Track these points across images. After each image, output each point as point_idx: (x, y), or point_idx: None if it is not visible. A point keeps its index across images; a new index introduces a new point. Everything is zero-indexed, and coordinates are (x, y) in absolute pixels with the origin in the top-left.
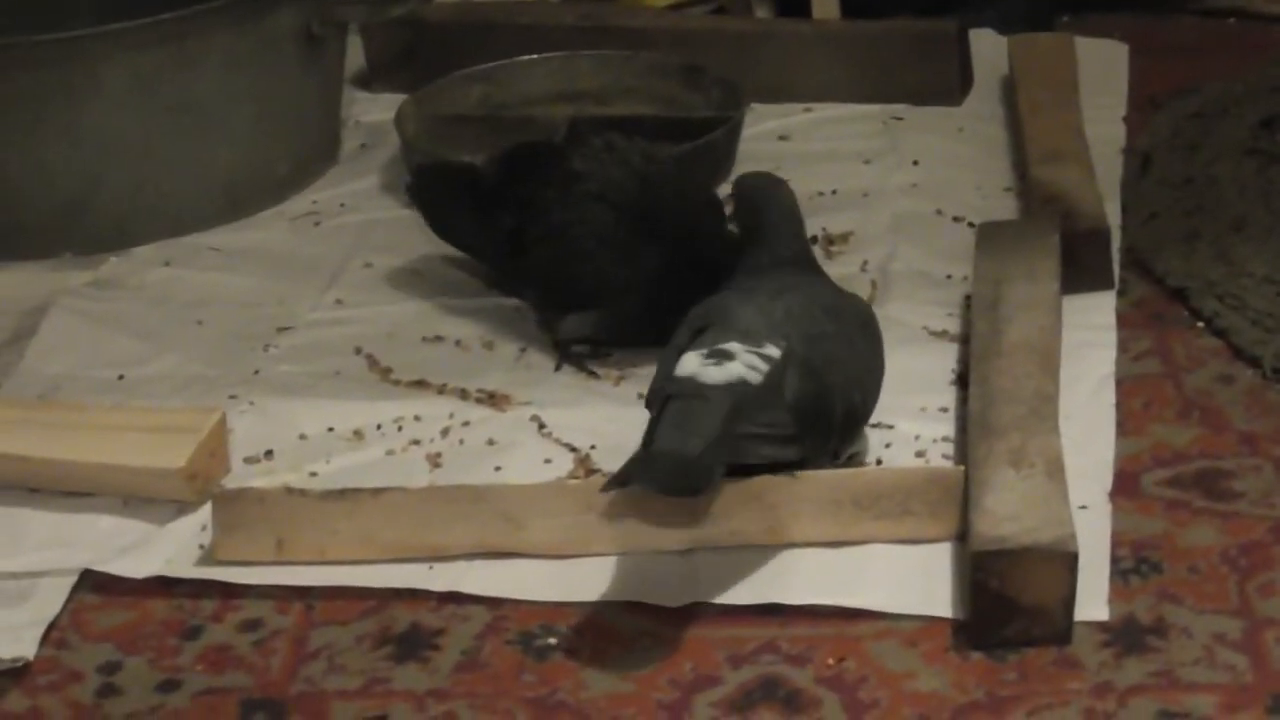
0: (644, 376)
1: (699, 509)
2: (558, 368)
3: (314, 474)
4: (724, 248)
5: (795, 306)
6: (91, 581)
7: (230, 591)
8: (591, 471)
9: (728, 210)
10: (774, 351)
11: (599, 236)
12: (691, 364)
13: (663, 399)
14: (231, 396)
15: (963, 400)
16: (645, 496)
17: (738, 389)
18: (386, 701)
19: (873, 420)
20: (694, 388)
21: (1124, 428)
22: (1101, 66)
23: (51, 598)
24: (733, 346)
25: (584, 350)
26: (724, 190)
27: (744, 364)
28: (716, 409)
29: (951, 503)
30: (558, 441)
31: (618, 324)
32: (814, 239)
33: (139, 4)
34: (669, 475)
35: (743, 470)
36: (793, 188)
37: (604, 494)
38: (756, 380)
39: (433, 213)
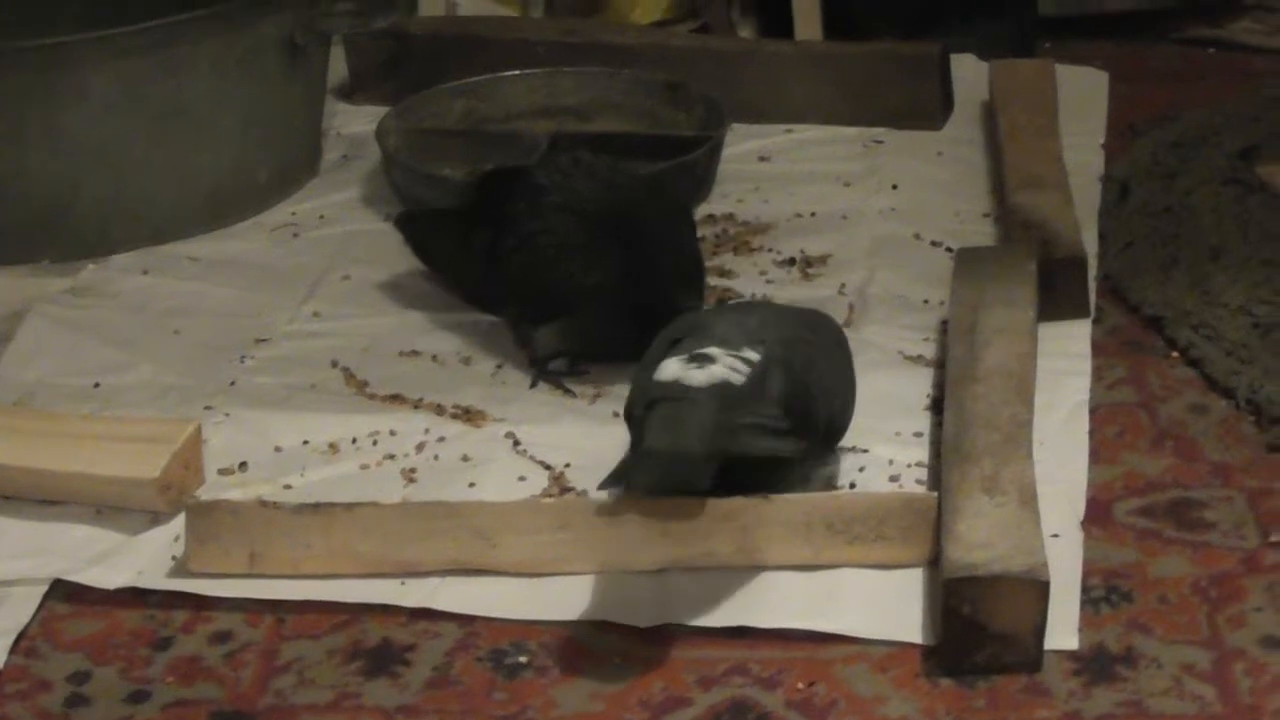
0: (620, 395)
1: (673, 528)
2: (533, 385)
3: (288, 487)
4: (695, 254)
5: (770, 317)
6: (63, 590)
7: (202, 603)
8: (566, 489)
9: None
10: (753, 355)
11: (565, 243)
12: (673, 369)
13: (646, 403)
14: (207, 407)
15: (938, 425)
16: (620, 513)
17: (722, 389)
18: (356, 716)
19: (847, 444)
20: (679, 390)
21: (1097, 456)
22: (1082, 93)
23: (22, 606)
24: (712, 351)
25: (560, 368)
26: (705, 209)
27: (725, 366)
28: (704, 408)
29: (924, 528)
30: (532, 459)
31: (591, 332)
32: (791, 260)
33: (125, 10)
34: (663, 473)
35: (731, 483)
36: (771, 208)
37: (578, 511)
38: (739, 381)
39: (422, 252)
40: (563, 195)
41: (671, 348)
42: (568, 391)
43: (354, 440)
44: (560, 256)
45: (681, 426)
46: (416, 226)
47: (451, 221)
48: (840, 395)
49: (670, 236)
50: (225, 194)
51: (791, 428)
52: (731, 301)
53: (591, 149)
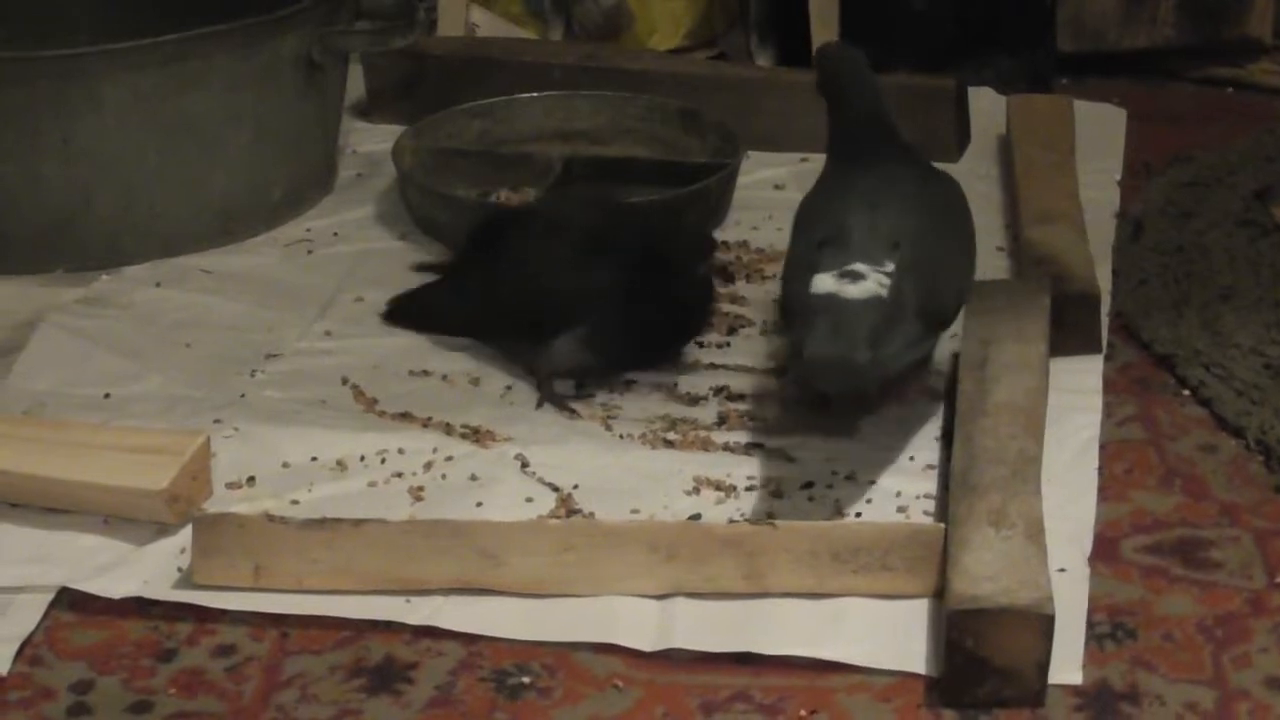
0: (629, 418)
1: (679, 553)
2: (539, 405)
3: (295, 502)
4: (697, 275)
5: (898, 212)
6: (68, 599)
7: (206, 615)
8: (573, 511)
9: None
10: (891, 267)
11: (560, 253)
12: (828, 283)
13: (806, 314)
14: (216, 421)
15: (946, 458)
16: (626, 536)
17: (876, 305)
18: None
19: (854, 475)
20: (838, 303)
21: (1105, 493)
22: (1099, 130)
23: (27, 614)
24: (860, 267)
25: (568, 393)
26: (718, 236)
27: (875, 282)
28: (863, 320)
29: (930, 559)
30: (540, 480)
31: (603, 341)
32: None
33: (139, 22)
34: (832, 376)
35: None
36: (785, 236)
37: (584, 533)
38: (886, 295)
39: (422, 326)
40: (550, 211)
41: (819, 254)
42: (573, 413)
43: (362, 458)
44: (555, 265)
45: (844, 336)
46: (409, 308)
47: (438, 287)
48: (960, 279)
49: (678, 255)
50: (238, 208)
51: (925, 333)
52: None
53: (599, 185)
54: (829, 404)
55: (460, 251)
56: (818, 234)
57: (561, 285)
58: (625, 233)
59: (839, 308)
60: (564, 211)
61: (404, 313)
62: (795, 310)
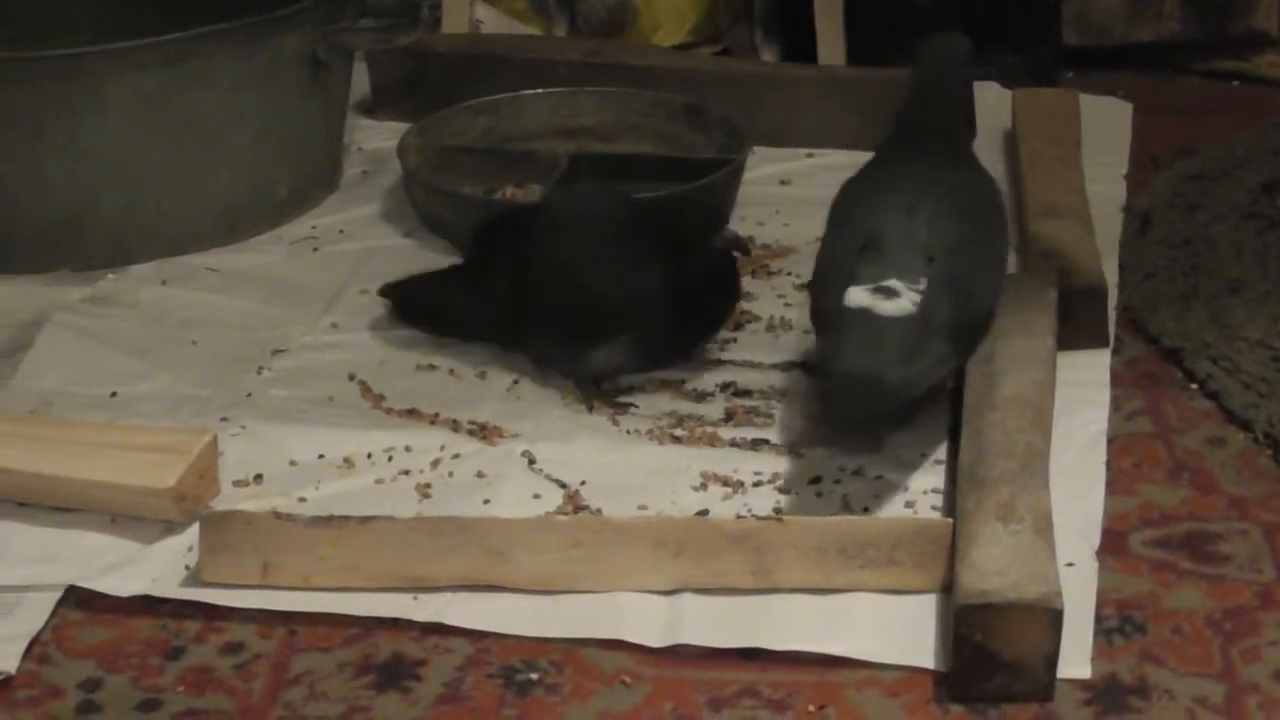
0: (638, 415)
1: (686, 549)
2: (590, 409)
3: (303, 500)
4: (719, 251)
5: (933, 219)
6: (76, 598)
7: (214, 613)
8: (580, 508)
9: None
10: (924, 283)
11: (596, 258)
12: (861, 298)
13: (838, 325)
14: (223, 419)
15: (954, 452)
16: (633, 533)
17: (905, 322)
18: None
19: (861, 470)
20: (869, 319)
21: (1113, 486)
22: (1105, 124)
23: (35, 613)
24: (895, 284)
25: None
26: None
27: (909, 300)
28: (892, 339)
29: (938, 554)
30: (547, 477)
31: (647, 343)
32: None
33: (139, 22)
34: (858, 391)
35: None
36: (791, 232)
37: (591, 529)
38: (916, 312)
39: (432, 323)
40: (568, 212)
41: (856, 263)
42: (628, 407)
43: (369, 455)
44: (605, 268)
45: (875, 353)
46: (405, 294)
47: (449, 280)
48: (996, 283)
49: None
50: (243, 207)
51: (954, 350)
52: (883, 166)
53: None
54: (853, 420)
55: (472, 251)
56: (854, 238)
57: (608, 293)
58: (646, 226)
59: (871, 323)
60: (581, 211)
61: (412, 314)
62: (827, 321)
